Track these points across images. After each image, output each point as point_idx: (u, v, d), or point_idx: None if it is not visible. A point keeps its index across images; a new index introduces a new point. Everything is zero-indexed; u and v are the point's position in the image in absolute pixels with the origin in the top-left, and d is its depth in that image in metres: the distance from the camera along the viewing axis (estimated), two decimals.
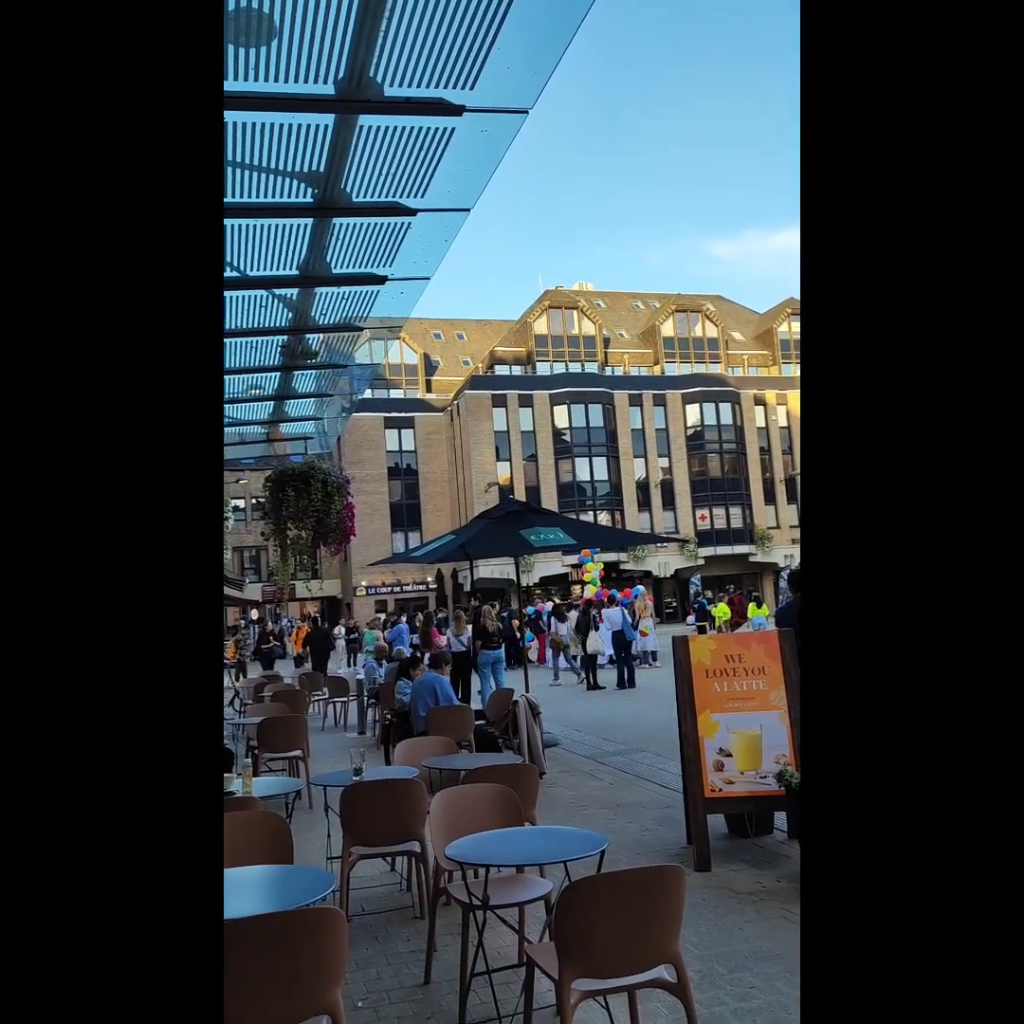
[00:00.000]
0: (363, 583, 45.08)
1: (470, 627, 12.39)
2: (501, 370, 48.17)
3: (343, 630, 31.93)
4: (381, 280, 6.18)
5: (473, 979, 3.56)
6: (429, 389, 50.32)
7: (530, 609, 23.68)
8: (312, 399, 9.78)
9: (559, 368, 47.94)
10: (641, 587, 25.51)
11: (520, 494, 44.27)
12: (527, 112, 4.27)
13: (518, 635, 16.29)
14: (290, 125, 4.34)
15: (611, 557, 42.03)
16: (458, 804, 3.78)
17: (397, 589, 45.50)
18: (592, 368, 48.89)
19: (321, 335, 7.62)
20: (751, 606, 21.74)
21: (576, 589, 44.00)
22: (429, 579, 45.83)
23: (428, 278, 6.25)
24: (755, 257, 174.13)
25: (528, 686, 8.61)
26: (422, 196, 5.07)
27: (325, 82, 4.03)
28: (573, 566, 44.83)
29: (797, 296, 58.91)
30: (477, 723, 7.40)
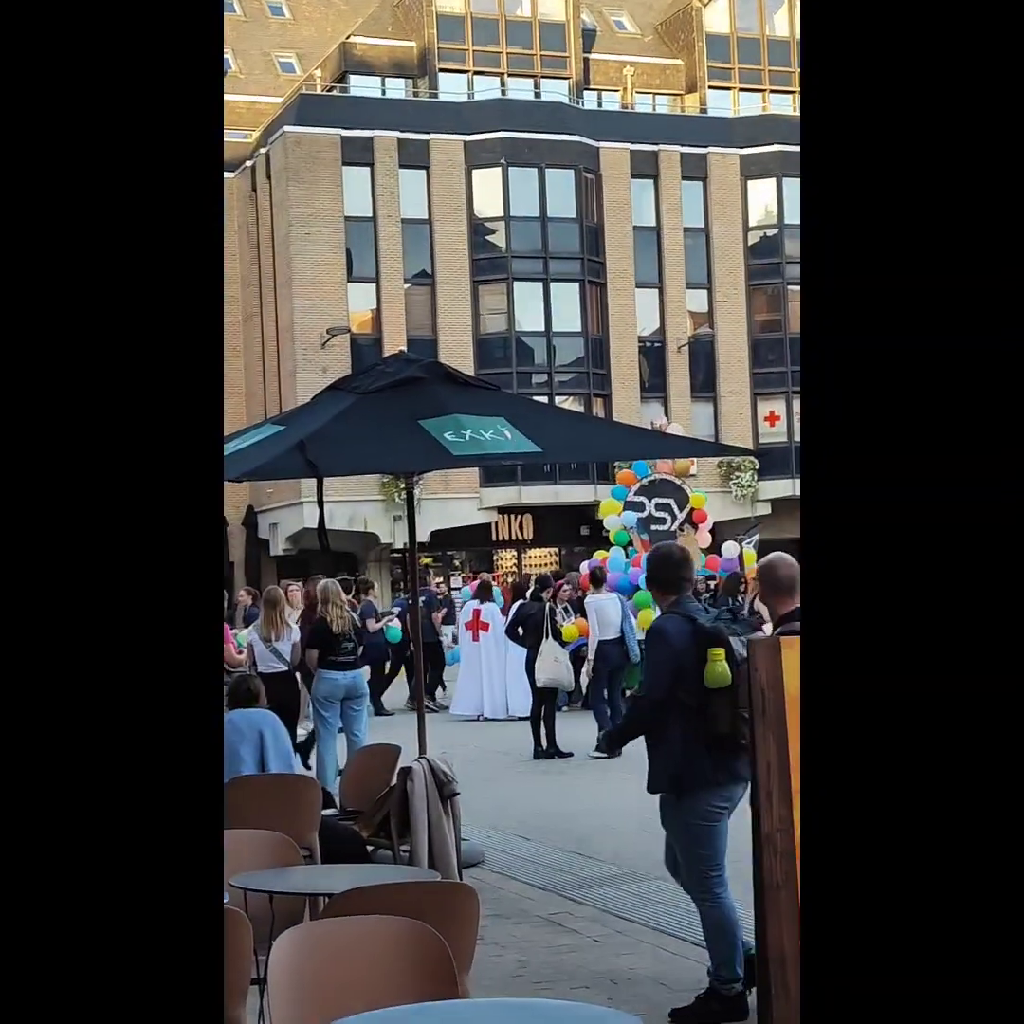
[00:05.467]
0: None
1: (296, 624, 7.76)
2: (362, 85, 24.23)
3: None
4: None
5: None
6: None
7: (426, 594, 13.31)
8: None
9: (487, 88, 24.01)
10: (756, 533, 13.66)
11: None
12: None
13: (443, 637, 12.52)
14: None
15: (579, 491, 22.61)
16: (329, 956, 2.46)
17: None
18: (555, 91, 24.25)
19: None
20: None
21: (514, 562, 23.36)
22: None
23: None
24: None
25: (424, 743, 5.19)
26: None
27: None
28: (500, 509, 22.17)
29: None
30: (326, 813, 4.76)
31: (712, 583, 12.62)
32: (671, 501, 12.82)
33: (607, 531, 24.08)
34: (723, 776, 3.34)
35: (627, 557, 12.08)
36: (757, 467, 22.22)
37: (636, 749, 7.23)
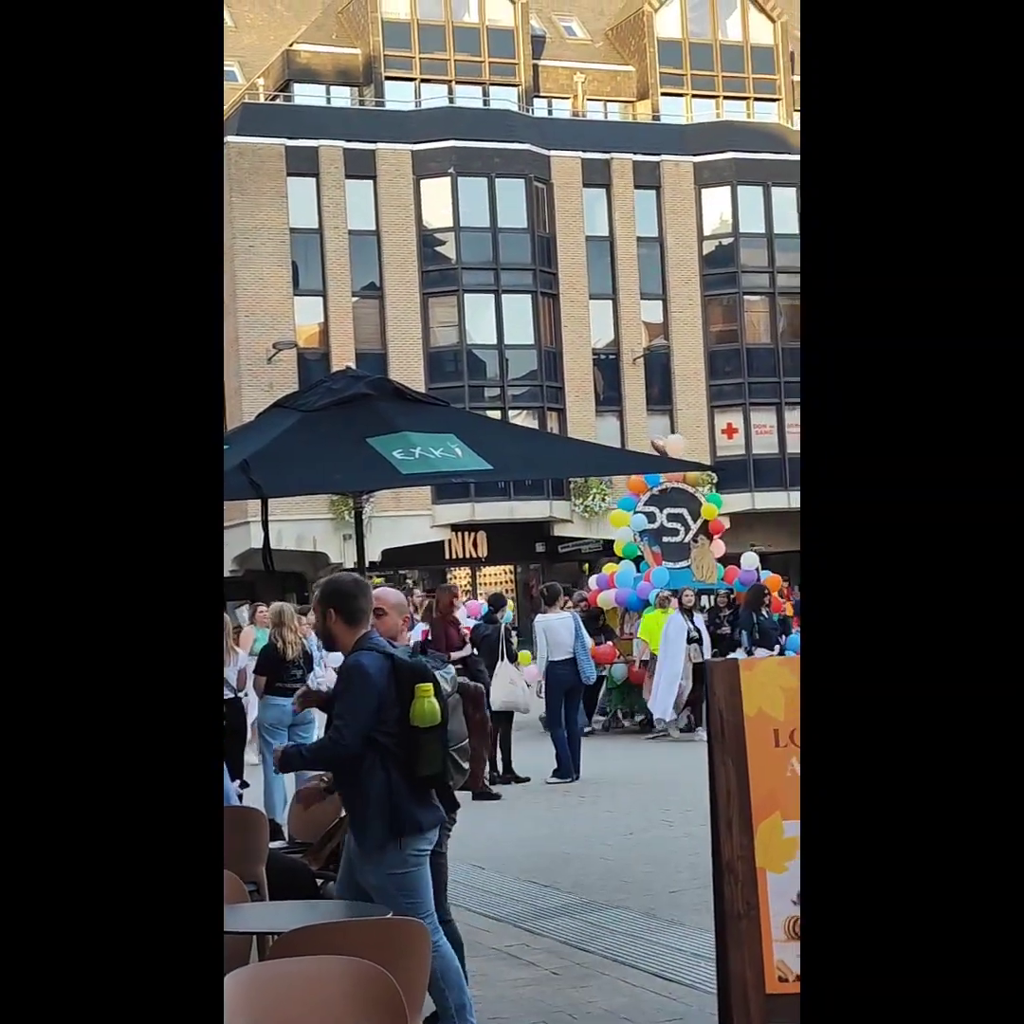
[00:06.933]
0: None
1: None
2: (306, 94, 23.66)
3: None
4: None
5: None
6: None
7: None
8: None
9: (435, 96, 23.49)
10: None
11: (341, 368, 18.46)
12: None
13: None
14: None
15: (534, 507, 22.17)
16: (276, 998, 2.41)
17: None
18: (505, 99, 23.68)
19: None
20: None
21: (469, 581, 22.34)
22: None
23: None
24: None
25: None
26: None
27: None
28: (453, 526, 21.65)
29: None
30: (273, 845, 4.76)
31: (732, 597, 11.53)
32: (684, 511, 11.76)
33: (566, 547, 23.52)
34: (429, 818, 3.17)
35: (639, 570, 11.10)
36: (715, 481, 21.76)
37: (605, 775, 6.41)
